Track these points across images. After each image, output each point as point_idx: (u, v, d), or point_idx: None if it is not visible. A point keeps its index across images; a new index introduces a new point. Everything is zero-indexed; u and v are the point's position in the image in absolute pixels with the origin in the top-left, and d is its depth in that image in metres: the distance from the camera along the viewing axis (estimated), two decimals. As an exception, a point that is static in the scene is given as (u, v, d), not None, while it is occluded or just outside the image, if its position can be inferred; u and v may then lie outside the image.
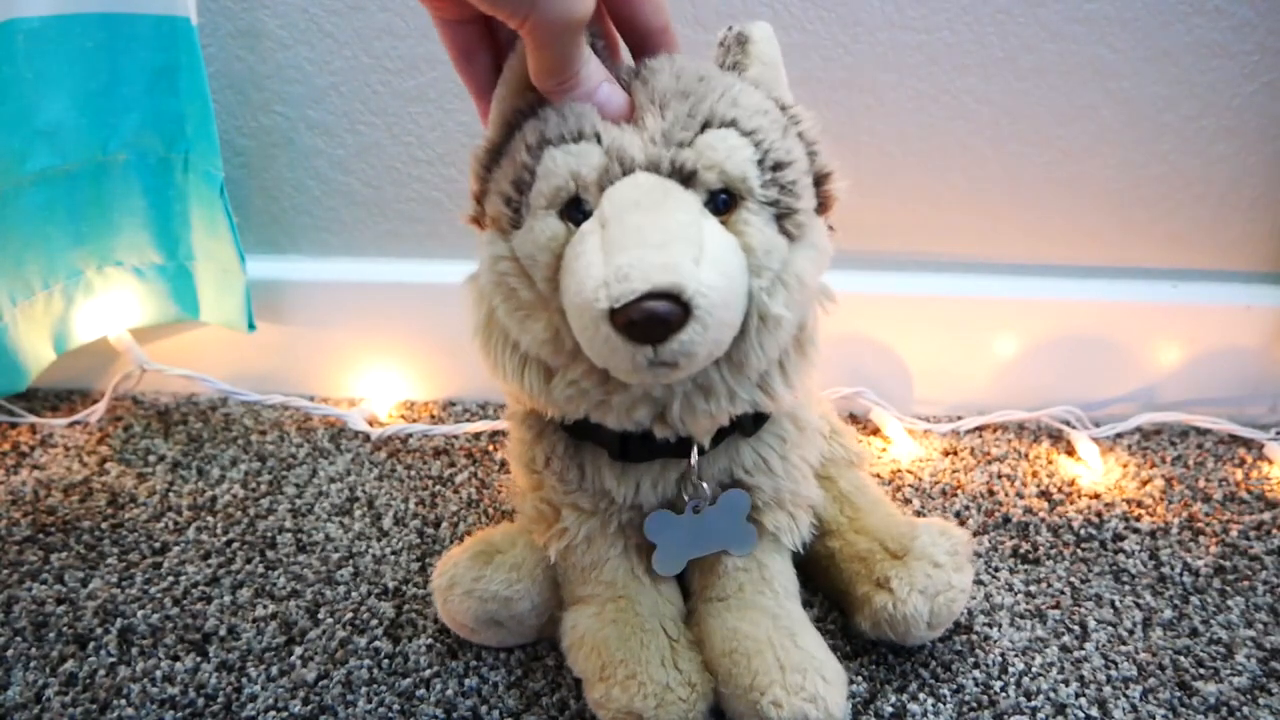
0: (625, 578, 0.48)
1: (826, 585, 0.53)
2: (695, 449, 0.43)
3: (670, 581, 0.49)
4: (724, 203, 0.37)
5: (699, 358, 0.35)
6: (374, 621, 0.53)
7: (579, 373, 0.38)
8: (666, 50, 0.40)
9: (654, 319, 0.33)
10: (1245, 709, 0.47)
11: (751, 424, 0.45)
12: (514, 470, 0.49)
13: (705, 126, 0.37)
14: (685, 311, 0.33)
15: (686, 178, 0.36)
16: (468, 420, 0.73)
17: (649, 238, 0.34)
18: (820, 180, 0.40)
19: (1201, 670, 0.50)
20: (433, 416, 0.74)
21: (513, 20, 0.35)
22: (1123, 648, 0.51)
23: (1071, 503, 0.63)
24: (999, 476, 0.66)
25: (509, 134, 0.39)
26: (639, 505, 0.46)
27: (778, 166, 0.38)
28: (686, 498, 0.45)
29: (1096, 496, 0.64)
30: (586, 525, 0.46)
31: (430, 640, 0.52)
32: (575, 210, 0.37)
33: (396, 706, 0.47)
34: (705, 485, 0.45)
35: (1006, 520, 0.61)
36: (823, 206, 0.40)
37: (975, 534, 0.60)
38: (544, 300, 0.37)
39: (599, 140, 0.37)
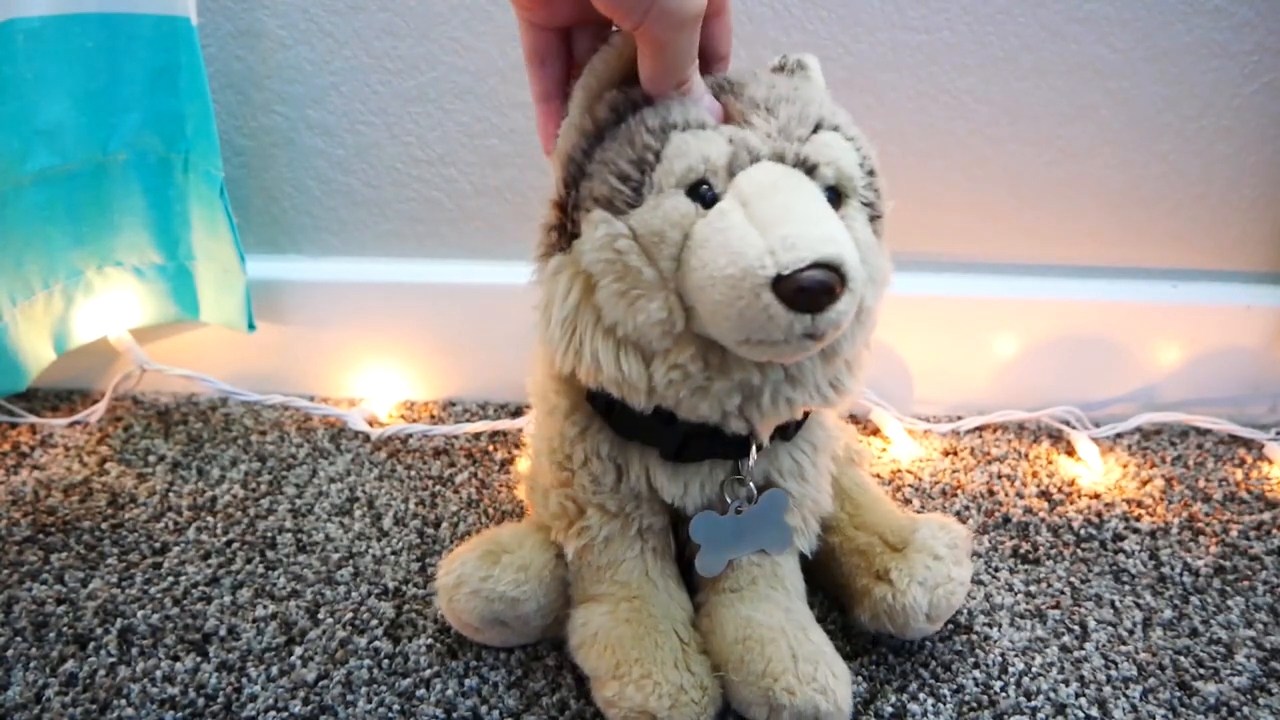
0: (640, 579, 0.48)
1: (826, 580, 0.53)
2: (754, 447, 0.44)
3: (680, 585, 0.50)
4: (831, 200, 0.39)
5: (841, 332, 0.37)
6: (374, 621, 0.53)
7: (685, 356, 0.39)
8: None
9: (822, 287, 0.34)
10: (1245, 709, 0.47)
11: (794, 428, 0.46)
12: (540, 464, 0.49)
13: (817, 128, 0.39)
14: (843, 282, 0.35)
15: (809, 171, 0.38)
16: (468, 420, 0.73)
17: (801, 214, 0.36)
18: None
19: (1201, 670, 0.50)
20: (433, 416, 0.74)
21: (629, 19, 0.35)
22: (1123, 648, 0.51)
23: (1071, 503, 0.63)
24: (999, 476, 0.66)
25: (616, 120, 0.39)
26: (669, 506, 0.47)
27: (872, 172, 0.41)
28: (729, 500, 0.46)
29: (1096, 496, 0.64)
30: (608, 526, 0.47)
31: (430, 640, 0.51)
32: (699, 193, 0.38)
33: (396, 706, 0.47)
34: (752, 486, 0.46)
35: (1006, 520, 0.61)
36: None
37: (975, 534, 0.60)
38: (663, 280, 0.38)
39: (721, 132, 0.38)
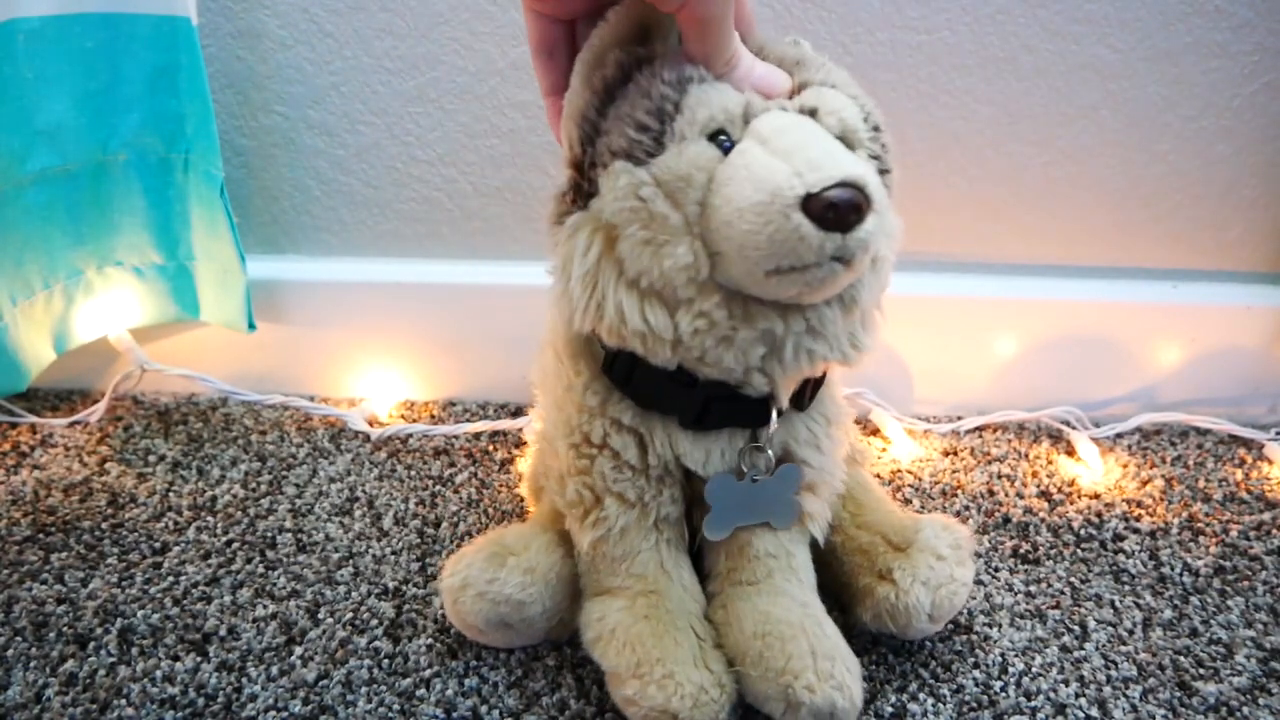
0: (655, 571, 0.48)
1: (827, 579, 0.53)
2: (775, 412, 0.44)
3: (692, 576, 0.49)
4: None
5: (868, 255, 0.37)
6: (374, 621, 0.53)
7: (711, 303, 0.39)
8: None
9: (851, 203, 0.35)
10: (1245, 709, 0.47)
11: (809, 397, 0.46)
12: (557, 450, 0.48)
13: (806, 86, 0.41)
14: (868, 201, 0.36)
15: (810, 115, 0.39)
16: (468, 420, 0.73)
17: (819, 143, 0.37)
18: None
19: (1201, 670, 0.50)
20: (433, 416, 0.74)
21: (670, 3, 0.36)
22: (1123, 648, 0.51)
23: (1071, 503, 0.63)
24: (999, 476, 0.66)
25: (623, 78, 0.40)
26: (684, 492, 0.47)
27: (877, 128, 0.42)
28: (746, 468, 0.46)
29: (1096, 496, 0.64)
30: (626, 516, 0.47)
31: (430, 640, 0.51)
32: (717, 142, 0.39)
33: (396, 706, 0.47)
34: (770, 453, 0.46)
35: (1006, 520, 0.61)
36: None
37: (975, 534, 0.60)
38: (688, 224, 0.38)
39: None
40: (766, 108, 0.39)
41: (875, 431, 0.71)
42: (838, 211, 0.35)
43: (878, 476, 0.65)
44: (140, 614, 0.53)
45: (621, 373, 0.44)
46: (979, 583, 0.56)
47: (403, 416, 0.75)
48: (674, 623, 0.45)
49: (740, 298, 0.39)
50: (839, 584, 0.52)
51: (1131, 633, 0.52)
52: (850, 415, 0.52)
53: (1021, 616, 0.53)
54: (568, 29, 0.42)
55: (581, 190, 0.41)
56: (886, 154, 0.42)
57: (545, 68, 0.42)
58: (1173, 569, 0.57)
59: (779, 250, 0.36)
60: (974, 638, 0.52)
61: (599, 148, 0.40)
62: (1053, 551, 0.58)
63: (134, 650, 0.51)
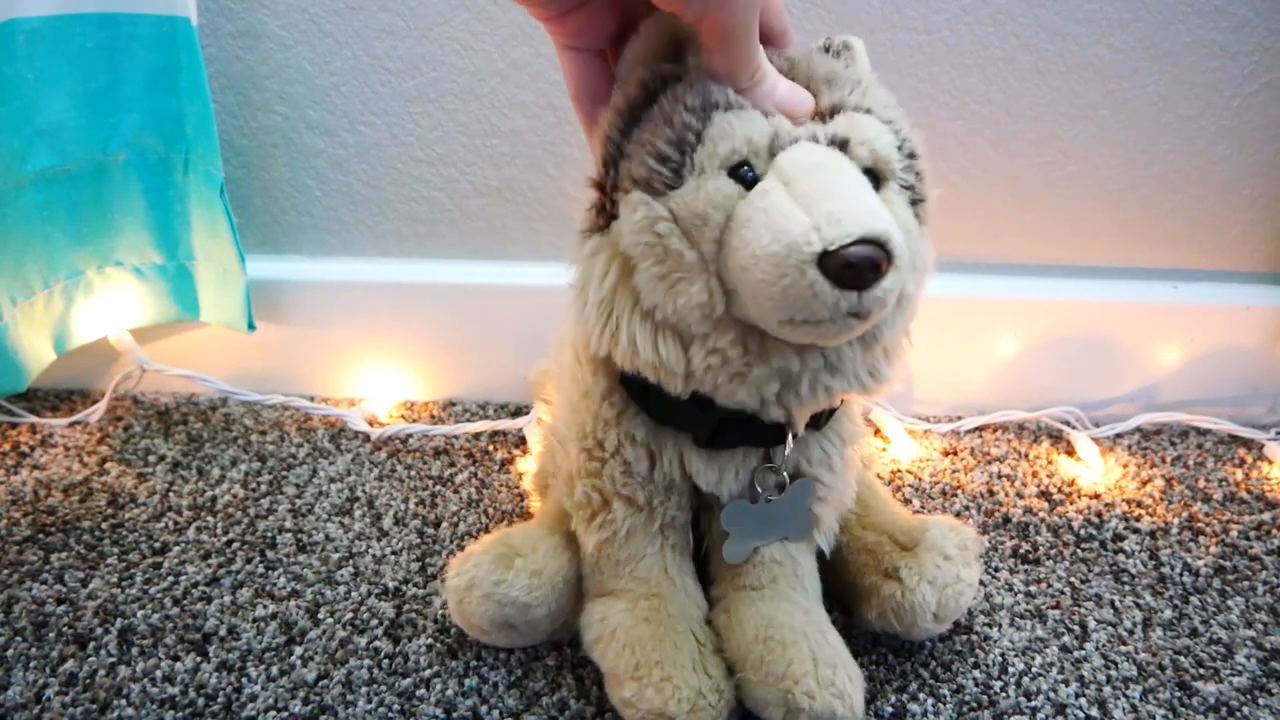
0: (659, 575, 0.48)
1: (831, 579, 0.53)
2: (790, 436, 0.44)
3: (696, 582, 0.50)
4: (869, 183, 0.38)
5: (887, 310, 0.36)
6: (374, 621, 0.53)
7: (725, 341, 0.38)
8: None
9: (869, 263, 0.34)
10: (1245, 709, 0.47)
11: (825, 418, 0.46)
12: (567, 452, 0.48)
13: (840, 110, 0.39)
14: (889, 259, 0.34)
15: (841, 147, 0.38)
16: (468, 420, 0.73)
17: (844, 191, 0.35)
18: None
19: (1201, 670, 0.50)
20: (433, 416, 0.74)
21: (691, 11, 0.34)
22: (1123, 648, 0.51)
23: (1071, 503, 0.63)
24: (999, 476, 0.66)
25: (647, 98, 0.39)
26: (692, 500, 0.47)
27: (912, 155, 0.40)
28: (759, 488, 0.46)
29: (1096, 496, 0.64)
30: (632, 520, 0.47)
31: (430, 640, 0.51)
32: (739, 175, 0.37)
33: (396, 706, 0.47)
34: (785, 475, 0.46)
35: (1006, 520, 0.61)
36: None
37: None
38: (704, 262, 0.37)
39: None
40: (795, 137, 0.37)
41: (875, 431, 0.71)
42: (855, 271, 0.34)
43: (878, 476, 0.65)
44: (140, 614, 0.53)
45: (639, 386, 0.43)
46: (979, 582, 0.56)
47: (403, 416, 0.75)
48: (675, 627, 0.45)
49: (756, 334, 0.38)
50: (844, 583, 0.52)
51: (1131, 633, 0.52)
52: (867, 434, 0.51)
53: (1021, 616, 0.53)
54: (603, 62, 0.40)
55: (604, 210, 0.40)
56: (921, 182, 0.41)
57: (589, 115, 0.41)
58: (1173, 569, 0.57)
59: (793, 304, 0.35)
60: (974, 638, 0.52)
61: (621, 171, 0.39)
62: (1053, 551, 0.58)
63: (134, 650, 0.51)
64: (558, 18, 0.38)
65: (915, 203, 0.40)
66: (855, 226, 0.34)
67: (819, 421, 0.46)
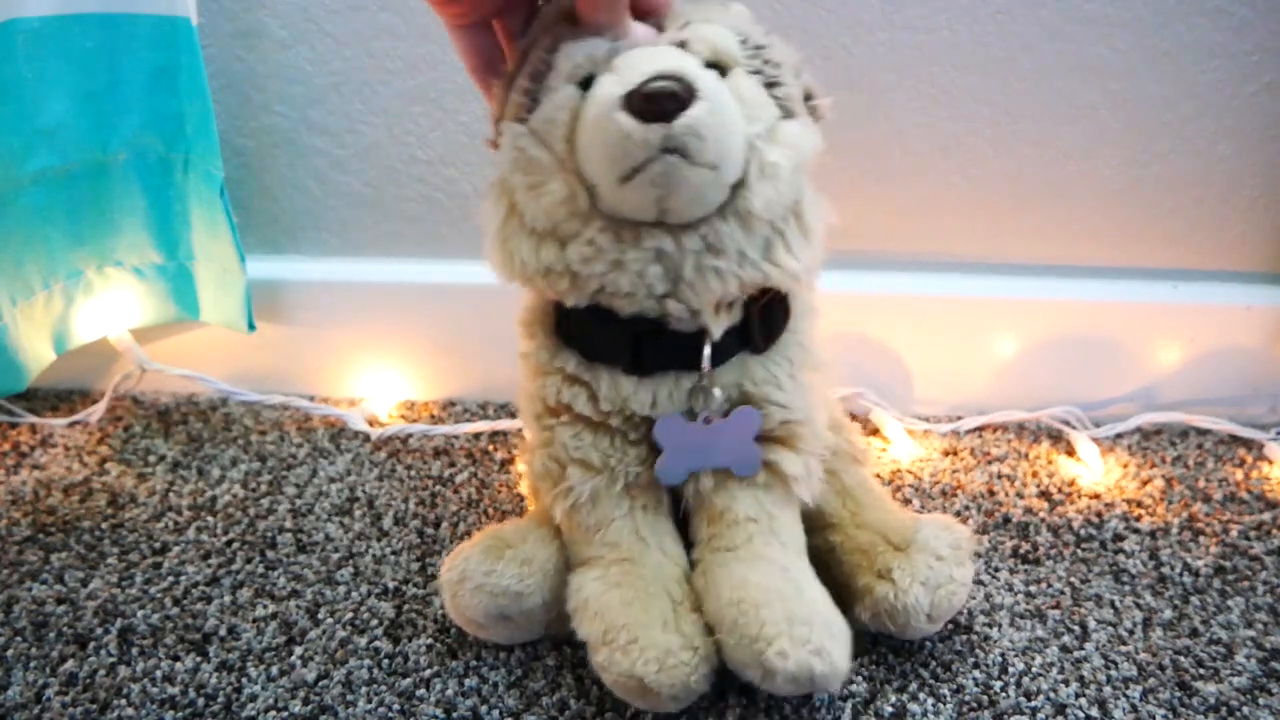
0: (629, 539, 0.48)
1: (826, 579, 0.53)
2: (708, 344, 0.44)
3: (675, 541, 0.49)
4: (715, 76, 0.40)
5: (709, 145, 0.37)
6: (374, 621, 0.53)
7: (594, 230, 0.40)
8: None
9: (665, 92, 0.36)
10: (1245, 709, 0.47)
11: (762, 340, 0.46)
12: (525, 425, 0.50)
13: (687, 25, 0.42)
14: (690, 91, 0.37)
15: (679, 46, 0.41)
16: (468, 420, 0.73)
17: (655, 59, 0.38)
18: (807, 97, 0.43)
19: (1201, 670, 0.50)
20: (433, 416, 0.74)
21: None
22: (1123, 648, 0.51)
23: (1071, 503, 0.63)
24: (999, 476, 0.66)
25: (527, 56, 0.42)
26: (653, 420, 0.47)
27: (759, 47, 0.42)
28: (697, 410, 0.46)
29: (1096, 496, 0.64)
30: (592, 483, 0.47)
31: (430, 640, 0.52)
32: (586, 86, 0.40)
33: (396, 706, 0.47)
34: (717, 393, 0.46)
35: (1006, 520, 0.61)
36: (813, 116, 0.44)
37: (975, 534, 0.60)
38: (560, 162, 0.40)
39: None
40: (633, 46, 0.40)
41: (875, 431, 0.71)
42: (654, 102, 0.36)
43: (877, 476, 0.65)
44: (140, 614, 0.53)
45: (564, 327, 0.46)
46: (979, 583, 0.56)
47: (403, 416, 0.75)
48: (645, 588, 0.45)
49: (629, 224, 0.40)
50: (838, 583, 0.52)
51: (1131, 633, 0.52)
52: (832, 366, 0.51)
53: (1021, 616, 0.53)
54: (494, 36, 0.44)
55: None
56: (772, 68, 0.42)
57: (488, 87, 0.44)
58: (1173, 569, 0.57)
59: (614, 153, 0.37)
60: (974, 638, 0.52)
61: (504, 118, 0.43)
62: (1053, 551, 0.58)
63: (134, 650, 0.51)
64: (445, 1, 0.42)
65: (770, 85, 0.42)
66: (650, 65, 0.37)
67: (758, 344, 0.46)
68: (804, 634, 0.42)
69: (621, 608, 0.44)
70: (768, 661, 0.41)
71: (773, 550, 0.47)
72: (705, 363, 0.45)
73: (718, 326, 0.44)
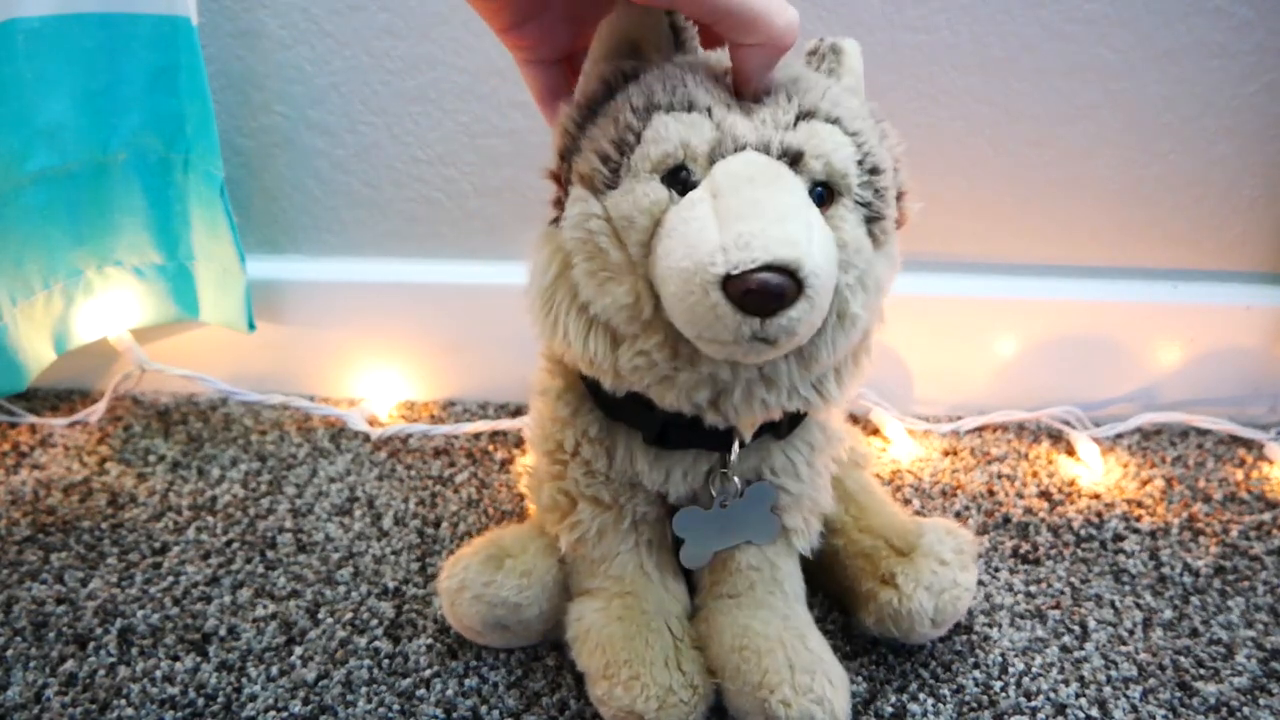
0: (634, 573, 0.48)
1: (829, 583, 0.53)
2: (736, 443, 0.44)
3: (678, 578, 0.49)
4: (820, 196, 0.37)
5: (798, 338, 0.35)
6: (374, 621, 0.53)
7: (651, 344, 0.38)
8: None
9: (769, 291, 0.33)
10: (1245, 709, 0.47)
11: (786, 426, 0.45)
12: (535, 456, 0.49)
13: (810, 117, 0.37)
14: (798, 288, 0.33)
15: (794, 160, 0.36)
16: (468, 420, 0.73)
17: (767, 211, 0.34)
18: (898, 197, 0.41)
19: (1201, 670, 0.50)
20: (433, 416, 0.74)
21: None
22: (1123, 648, 0.51)
23: (1071, 503, 0.63)
24: (999, 476, 0.66)
25: (608, 93, 0.39)
26: (662, 496, 0.47)
27: (874, 171, 0.38)
28: (714, 493, 0.45)
29: (1096, 497, 0.64)
30: (601, 519, 0.47)
31: (430, 640, 0.52)
32: (677, 179, 0.36)
33: (396, 706, 0.47)
34: (737, 481, 0.45)
35: (1006, 520, 0.61)
36: (897, 222, 0.41)
37: (975, 534, 0.60)
38: (631, 264, 0.37)
39: (709, 115, 0.37)
40: (741, 144, 0.36)
41: (875, 431, 0.71)
42: (756, 298, 0.33)
43: (877, 477, 0.65)
44: (140, 614, 0.53)
45: (592, 383, 0.43)
46: (979, 583, 0.55)
47: (403, 416, 0.75)
48: (648, 624, 0.45)
49: (688, 340, 0.37)
50: (841, 588, 0.52)
51: (1132, 633, 0.52)
52: (845, 439, 0.50)
53: (1021, 616, 0.53)
54: (565, 70, 0.41)
55: (561, 203, 0.40)
56: (881, 199, 0.39)
57: (554, 116, 0.41)
58: (1173, 569, 0.57)
59: (699, 322, 0.34)
60: (974, 638, 0.52)
61: (573, 166, 0.39)
62: (1053, 551, 0.58)
63: (134, 650, 0.51)
64: (513, 29, 0.39)
65: (871, 220, 0.39)
66: (762, 252, 0.32)
67: (782, 430, 0.45)
68: (806, 682, 0.42)
69: (624, 642, 0.44)
70: (770, 709, 0.42)
71: (775, 598, 0.47)
72: (734, 458, 0.44)
73: (750, 433, 0.43)
